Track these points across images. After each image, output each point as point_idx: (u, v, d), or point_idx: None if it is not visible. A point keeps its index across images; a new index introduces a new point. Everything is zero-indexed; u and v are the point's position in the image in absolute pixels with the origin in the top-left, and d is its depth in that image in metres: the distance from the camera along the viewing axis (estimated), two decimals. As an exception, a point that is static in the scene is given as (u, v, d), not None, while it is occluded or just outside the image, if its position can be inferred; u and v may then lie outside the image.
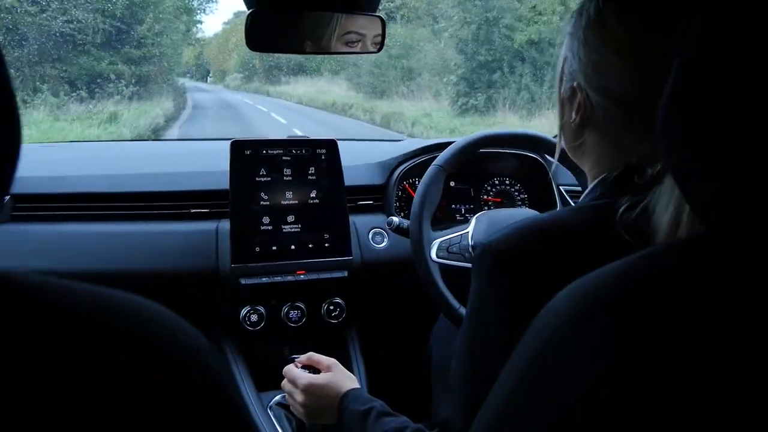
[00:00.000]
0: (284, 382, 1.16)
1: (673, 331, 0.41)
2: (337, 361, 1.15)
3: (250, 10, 1.20)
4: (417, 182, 1.75)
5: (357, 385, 1.09)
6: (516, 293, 0.75)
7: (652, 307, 0.43)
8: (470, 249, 1.35)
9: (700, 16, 0.44)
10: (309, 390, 1.09)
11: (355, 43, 1.26)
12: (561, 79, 0.86)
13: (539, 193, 1.80)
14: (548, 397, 0.45)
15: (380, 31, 1.30)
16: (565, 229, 0.77)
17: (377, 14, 1.29)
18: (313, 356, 1.16)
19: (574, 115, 0.82)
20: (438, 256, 1.35)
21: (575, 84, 0.81)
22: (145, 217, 1.51)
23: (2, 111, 0.37)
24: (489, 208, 1.82)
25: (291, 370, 1.15)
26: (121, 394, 0.35)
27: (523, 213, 1.52)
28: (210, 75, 58.66)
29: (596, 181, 0.83)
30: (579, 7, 0.81)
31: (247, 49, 1.23)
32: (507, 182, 1.86)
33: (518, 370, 0.51)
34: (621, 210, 0.75)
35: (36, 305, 0.36)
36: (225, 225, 1.50)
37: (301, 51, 1.24)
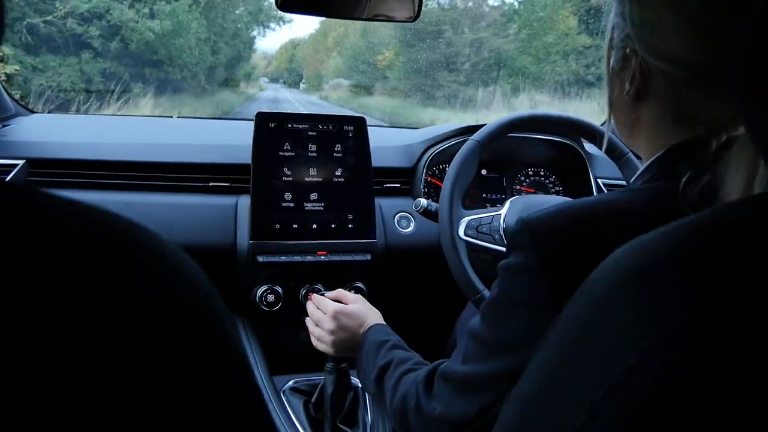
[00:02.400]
0: (312, 309, 1.21)
1: (742, 291, 0.35)
2: (363, 297, 1.21)
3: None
4: (445, 168, 1.68)
5: (382, 320, 1.14)
6: (552, 273, 0.69)
7: (719, 264, 0.38)
8: (501, 231, 1.27)
9: None
10: (338, 316, 1.14)
11: (397, 11, 1.20)
12: (610, 50, 0.79)
13: (575, 185, 1.71)
14: (598, 364, 0.40)
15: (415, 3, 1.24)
16: (614, 211, 0.70)
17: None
18: (342, 292, 1.22)
19: (628, 86, 0.75)
20: (466, 234, 1.28)
21: (628, 50, 0.73)
22: (163, 188, 1.45)
23: None
24: None
25: (321, 299, 1.20)
26: (133, 321, 0.32)
27: (561, 200, 1.44)
28: (303, 81, 55.26)
29: (651, 160, 0.75)
30: None
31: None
32: (541, 173, 1.77)
33: (566, 338, 0.45)
34: (683, 183, 0.67)
35: (67, 223, 0.35)
36: (245, 201, 1.44)
37: (332, 15, 1.18)
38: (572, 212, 0.72)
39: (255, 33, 32.16)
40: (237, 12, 25.72)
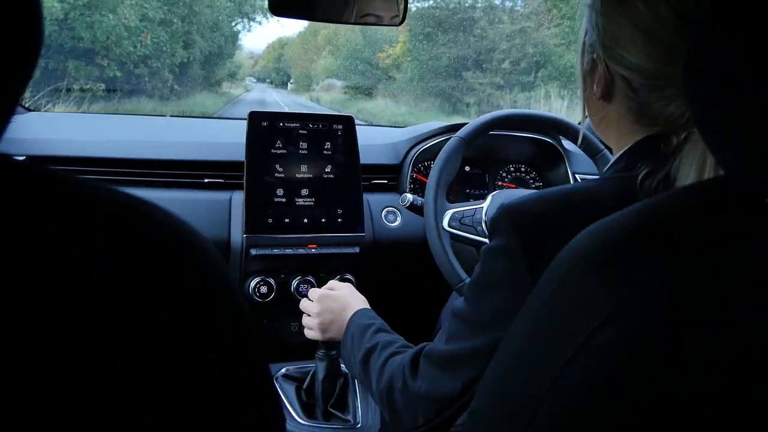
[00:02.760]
0: (303, 301, 1.26)
1: (691, 270, 0.40)
2: (351, 285, 1.26)
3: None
4: (430, 165, 1.75)
5: (367, 306, 1.18)
6: (531, 254, 0.75)
7: (663, 244, 0.43)
8: (483, 223, 1.34)
9: None
10: (323, 299, 1.20)
11: (383, 17, 1.26)
12: (582, 53, 0.86)
13: (554, 181, 1.79)
14: (562, 335, 0.45)
15: (401, 6, 1.30)
16: (588, 198, 0.77)
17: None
18: (332, 283, 1.29)
19: (596, 88, 0.82)
20: (450, 226, 1.36)
21: (595, 56, 0.80)
22: (159, 184, 1.51)
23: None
24: None
25: (312, 290, 1.26)
26: (144, 290, 0.36)
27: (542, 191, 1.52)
28: (291, 81, 52.14)
29: (620, 153, 0.82)
30: None
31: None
32: (522, 168, 1.85)
33: (535, 311, 0.51)
34: (641, 176, 0.74)
35: (80, 201, 0.38)
36: (238, 196, 1.50)
37: (321, 18, 1.24)
38: (549, 198, 0.78)
39: (240, 27, 29.62)
40: (215, -2, 22.52)
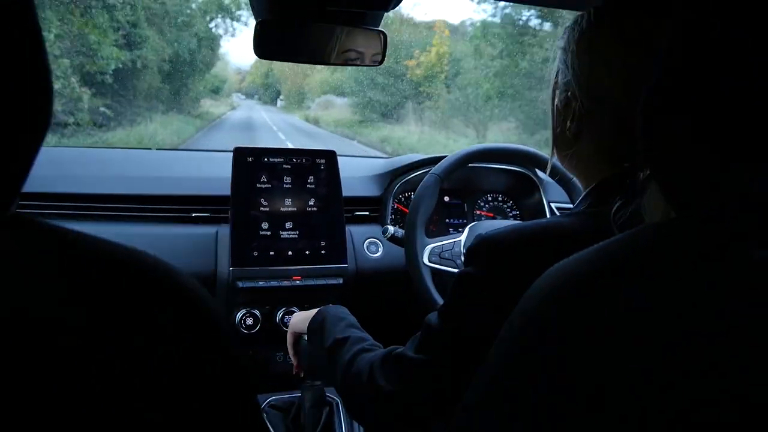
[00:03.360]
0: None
1: (641, 308, 0.45)
2: None
3: (259, 20, 1.26)
4: (410, 196, 1.80)
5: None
6: (500, 284, 0.79)
7: (625, 283, 0.47)
8: (461, 256, 1.39)
9: (676, 19, 0.49)
10: (298, 315, 1.26)
11: (355, 60, 1.32)
12: (554, 91, 0.91)
13: (531, 209, 1.85)
14: (529, 376, 0.49)
15: (380, 48, 1.36)
16: (559, 232, 0.81)
17: (379, 29, 1.34)
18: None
19: (569, 124, 0.87)
20: (430, 261, 1.40)
21: (569, 93, 0.85)
22: (147, 219, 1.54)
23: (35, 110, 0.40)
24: None
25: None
26: (144, 343, 0.38)
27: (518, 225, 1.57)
28: (281, 97, 48.07)
29: (589, 188, 0.87)
30: (572, 23, 0.87)
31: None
32: (499, 198, 1.91)
33: (505, 348, 0.55)
34: (613, 211, 0.79)
35: (83, 255, 0.40)
36: (225, 230, 1.53)
37: (306, 61, 1.30)
38: (522, 232, 0.82)
39: (220, 30, 25.15)
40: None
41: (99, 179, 1.58)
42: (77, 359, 0.35)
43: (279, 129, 21.54)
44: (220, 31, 26.28)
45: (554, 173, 1.53)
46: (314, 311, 1.19)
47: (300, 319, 1.24)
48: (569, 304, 0.49)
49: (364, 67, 1.40)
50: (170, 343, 0.40)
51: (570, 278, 0.51)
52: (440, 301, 1.36)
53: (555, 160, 0.98)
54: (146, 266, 0.44)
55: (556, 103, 0.91)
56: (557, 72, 0.90)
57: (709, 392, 0.41)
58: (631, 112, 0.80)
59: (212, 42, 22.50)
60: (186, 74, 19.01)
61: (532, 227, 0.83)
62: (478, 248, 0.83)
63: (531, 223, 0.85)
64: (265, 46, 1.24)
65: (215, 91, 38.73)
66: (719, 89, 0.46)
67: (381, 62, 1.37)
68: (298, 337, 1.24)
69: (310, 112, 32.34)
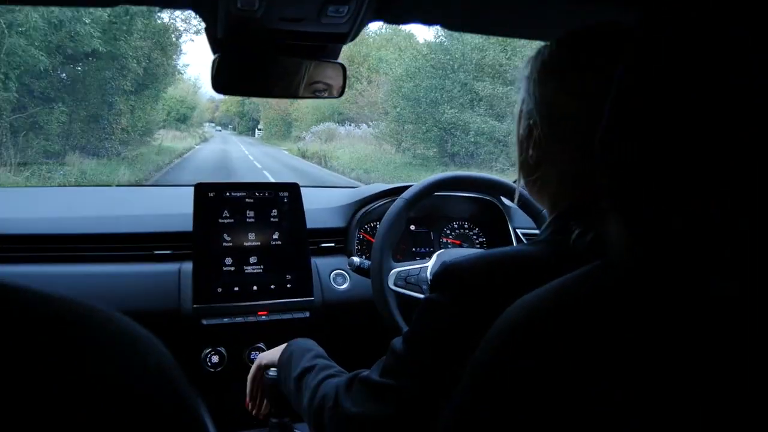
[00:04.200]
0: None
1: (596, 344, 0.48)
2: None
3: (216, 56, 1.25)
4: (376, 225, 1.79)
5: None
6: (464, 312, 0.79)
7: (581, 321, 0.50)
8: (428, 282, 1.39)
9: (630, 48, 0.51)
10: (267, 352, 1.25)
11: (323, 92, 1.32)
12: (519, 120, 0.92)
13: (497, 237, 1.86)
14: (499, 405, 0.51)
15: (341, 80, 1.36)
16: (523, 261, 0.82)
17: (339, 61, 1.35)
18: None
19: (531, 152, 0.88)
20: (395, 285, 1.40)
21: (532, 122, 0.86)
22: (107, 258, 1.51)
23: None
24: None
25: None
26: (93, 398, 0.36)
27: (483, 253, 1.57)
28: (259, 127, 42.94)
29: (552, 217, 0.88)
30: (536, 52, 0.88)
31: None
32: (466, 226, 1.91)
33: (476, 380, 0.56)
34: (573, 237, 0.80)
35: (31, 313, 0.38)
36: (187, 266, 1.51)
37: (268, 95, 1.29)
38: (487, 260, 0.82)
39: (174, 34, 18.00)
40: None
41: (56, 220, 1.55)
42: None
43: (271, 172, 16.16)
44: (173, 37, 18.40)
45: (522, 203, 1.54)
46: (282, 346, 1.19)
47: (268, 353, 1.24)
48: (531, 340, 0.52)
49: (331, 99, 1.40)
50: (115, 399, 0.38)
51: (530, 317, 0.54)
52: (404, 325, 1.35)
53: (522, 188, 0.98)
54: (81, 318, 0.42)
55: (519, 131, 0.92)
56: (522, 101, 0.91)
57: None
58: (590, 140, 0.81)
59: (167, 47, 17.64)
60: (129, 93, 14.99)
61: (496, 255, 0.84)
62: (443, 275, 0.83)
63: (496, 251, 0.85)
64: (224, 81, 1.23)
65: (181, 120, 34.95)
66: (673, 118, 0.47)
67: (341, 94, 1.37)
68: (262, 371, 1.23)
69: (305, 145, 26.72)
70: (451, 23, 1.20)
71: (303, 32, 1.18)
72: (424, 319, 0.85)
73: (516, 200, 1.37)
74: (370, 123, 24.58)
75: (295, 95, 1.29)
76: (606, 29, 0.81)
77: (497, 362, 0.54)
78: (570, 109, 0.82)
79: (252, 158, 21.54)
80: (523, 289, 0.67)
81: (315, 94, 1.31)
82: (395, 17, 1.17)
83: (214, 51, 1.27)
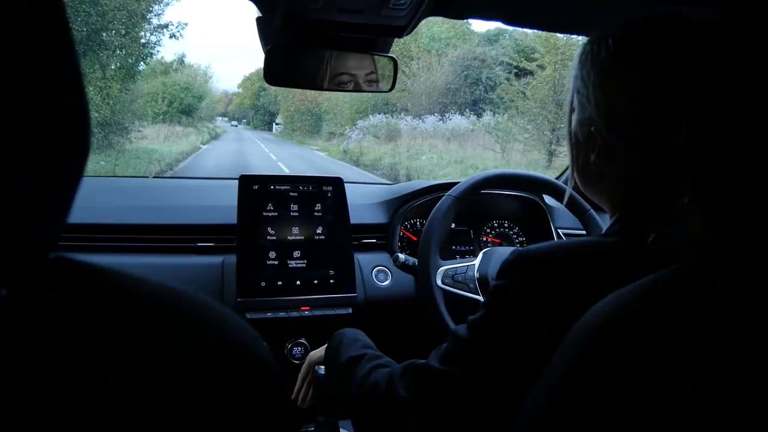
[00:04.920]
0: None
1: (687, 347, 0.47)
2: None
3: (268, 47, 1.24)
4: (418, 223, 1.77)
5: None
6: (540, 299, 0.77)
7: (683, 318, 0.49)
8: (475, 280, 1.37)
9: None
10: (318, 350, 1.25)
11: (374, 84, 1.30)
12: (570, 121, 0.89)
13: (537, 236, 1.83)
14: (584, 405, 0.51)
15: (393, 73, 1.35)
16: (597, 254, 0.79)
17: (391, 55, 1.33)
18: None
19: (593, 157, 0.85)
20: (443, 283, 1.38)
21: (593, 129, 0.83)
22: (151, 249, 1.50)
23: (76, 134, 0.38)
24: None
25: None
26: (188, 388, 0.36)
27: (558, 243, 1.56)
28: (277, 121, 36.19)
29: (619, 214, 0.85)
30: (587, 50, 0.85)
31: None
32: (506, 225, 1.89)
33: (556, 378, 0.56)
34: (651, 239, 0.77)
35: (129, 298, 0.38)
36: (231, 259, 1.50)
37: (321, 88, 1.28)
38: (561, 250, 0.80)
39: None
40: None
41: (92, 209, 1.53)
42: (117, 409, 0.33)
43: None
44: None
45: (569, 202, 1.52)
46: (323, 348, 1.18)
47: (317, 351, 1.23)
48: (618, 344, 0.51)
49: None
50: (219, 397, 0.38)
51: (617, 320, 0.53)
52: (452, 323, 1.33)
53: (571, 189, 0.96)
54: (197, 312, 0.42)
55: (574, 131, 0.89)
56: (572, 99, 0.88)
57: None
58: (662, 146, 0.79)
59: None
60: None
61: (568, 245, 0.82)
62: (518, 262, 0.81)
63: (568, 241, 0.84)
64: (278, 72, 1.22)
65: (186, 111, 28.74)
66: (760, 114, 0.45)
67: (392, 88, 1.36)
68: (313, 367, 1.22)
69: (352, 144, 21.16)
70: (510, 18, 1.18)
71: (360, 24, 1.17)
72: (494, 306, 0.82)
73: (565, 202, 1.35)
74: (445, 114, 20.53)
75: (348, 89, 1.27)
76: (661, 24, 0.78)
77: (585, 364, 0.53)
78: (638, 119, 0.79)
79: (282, 165, 16.63)
80: (598, 283, 0.65)
81: (368, 87, 1.29)
82: (455, 12, 1.15)
83: (266, 42, 1.26)
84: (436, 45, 22.59)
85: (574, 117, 0.88)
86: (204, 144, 25.74)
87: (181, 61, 33.48)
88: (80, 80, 0.38)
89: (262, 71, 1.24)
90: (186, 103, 29.07)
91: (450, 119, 19.99)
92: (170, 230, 1.53)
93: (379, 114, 22.60)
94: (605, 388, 0.49)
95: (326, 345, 1.20)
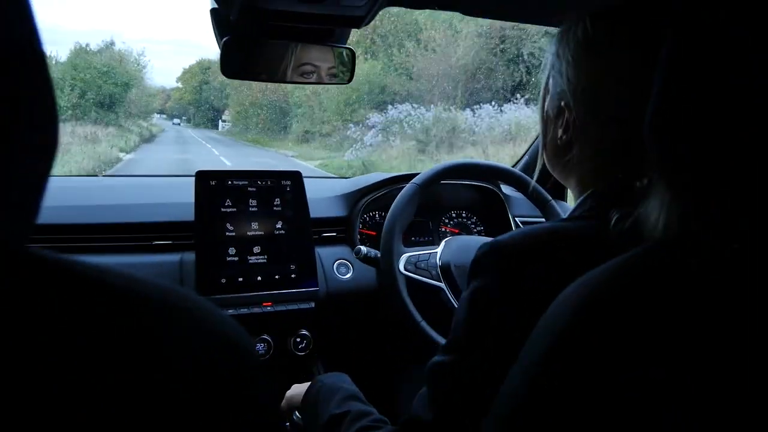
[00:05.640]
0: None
1: (672, 321, 0.47)
2: None
3: (224, 39, 1.21)
4: (377, 215, 1.77)
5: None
6: (520, 289, 0.75)
7: (653, 297, 0.48)
8: (437, 267, 1.38)
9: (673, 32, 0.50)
10: (295, 387, 1.17)
11: (335, 77, 1.30)
12: (544, 100, 0.90)
13: (495, 225, 1.85)
14: (564, 387, 0.50)
15: (350, 65, 1.34)
16: (567, 237, 0.79)
17: (348, 46, 1.32)
18: None
19: (561, 133, 0.86)
20: (406, 269, 1.38)
21: (563, 103, 0.84)
22: (104, 249, 1.46)
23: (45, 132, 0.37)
24: None
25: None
26: (172, 381, 0.36)
27: (488, 240, 1.57)
28: (224, 118, 30.71)
29: (585, 195, 0.86)
30: (564, 28, 0.86)
31: None
32: (463, 215, 1.90)
33: (533, 363, 0.54)
34: (613, 221, 0.79)
35: (99, 290, 0.37)
36: (189, 257, 1.47)
37: (280, 80, 1.26)
38: (536, 234, 0.79)
39: None
40: None
41: (48, 209, 1.47)
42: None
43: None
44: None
45: (532, 194, 1.54)
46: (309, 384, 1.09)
47: (296, 389, 1.16)
48: (598, 319, 0.50)
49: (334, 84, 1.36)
50: (202, 387, 0.37)
51: (596, 294, 0.52)
52: (413, 309, 1.33)
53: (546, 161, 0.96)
54: (176, 304, 0.41)
55: (546, 109, 0.90)
56: (548, 78, 0.89)
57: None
58: (630, 125, 0.80)
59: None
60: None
61: (539, 231, 0.81)
62: (489, 256, 0.78)
63: (536, 227, 0.82)
64: (235, 65, 1.20)
65: (107, 106, 22.10)
66: (727, 92, 0.46)
67: (350, 80, 1.35)
68: (292, 412, 1.14)
69: (364, 152, 15.66)
70: (468, 9, 1.18)
71: (319, 15, 1.16)
72: (477, 314, 0.77)
73: (530, 189, 1.36)
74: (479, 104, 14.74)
75: (310, 80, 1.26)
76: (641, 3, 0.80)
77: (561, 346, 0.52)
78: (610, 88, 0.80)
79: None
80: (574, 265, 0.66)
81: (329, 80, 1.28)
82: (413, 1, 1.15)
83: (222, 35, 1.23)
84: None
85: (548, 96, 0.89)
86: (129, 152, 19.01)
87: (108, 47, 26.95)
88: (47, 76, 0.37)
89: (219, 64, 1.22)
90: (105, 93, 22.24)
91: (502, 110, 14.69)
92: (124, 229, 1.49)
93: (400, 104, 15.78)
94: (580, 373, 0.49)
95: (304, 385, 1.12)
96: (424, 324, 1.34)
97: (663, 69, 0.52)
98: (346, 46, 1.32)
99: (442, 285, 1.39)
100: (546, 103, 0.89)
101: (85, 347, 0.33)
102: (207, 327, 0.41)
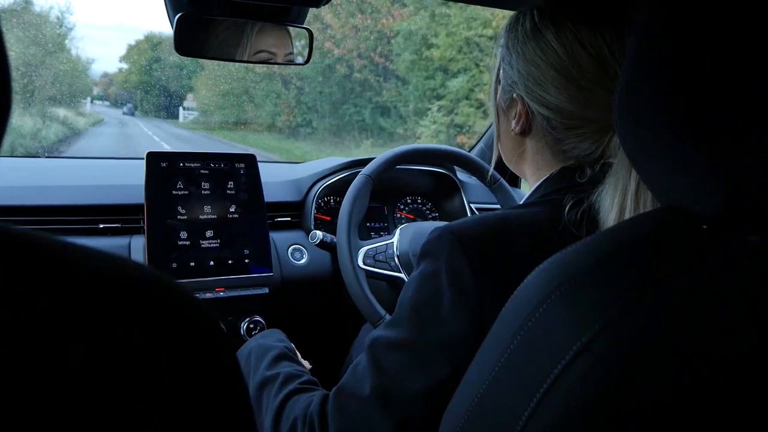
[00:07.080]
0: None
1: (653, 291, 0.45)
2: None
3: (177, 15, 1.17)
4: (332, 200, 1.75)
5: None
6: (474, 273, 0.75)
7: (633, 268, 0.47)
8: (395, 258, 1.37)
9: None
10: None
11: (295, 57, 1.27)
12: (496, 90, 0.91)
13: (451, 211, 1.86)
14: (537, 366, 0.47)
15: (308, 45, 1.32)
16: (523, 222, 0.80)
17: (305, 26, 1.30)
18: None
19: (514, 124, 0.87)
20: (365, 264, 1.37)
21: (514, 95, 0.85)
22: (47, 232, 1.39)
23: None
24: None
25: None
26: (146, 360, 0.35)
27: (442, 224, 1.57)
28: (187, 104, 22.46)
29: (540, 182, 0.87)
30: (513, 20, 0.87)
31: None
32: (418, 200, 1.90)
33: (505, 343, 0.52)
34: (567, 207, 0.80)
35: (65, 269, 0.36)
36: (138, 241, 1.42)
37: (237, 59, 1.22)
38: (488, 221, 0.79)
39: None
40: None
41: None
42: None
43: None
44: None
45: (480, 174, 1.55)
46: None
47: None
48: (578, 295, 0.48)
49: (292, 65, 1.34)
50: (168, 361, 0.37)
51: (574, 270, 0.50)
52: (377, 304, 1.32)
53: (501, 151, 0.96)
54: (134, 280, 0.39)
55: (498, 100, 0.91)
56: (498, 69, 0.90)
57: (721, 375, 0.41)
58: (580, 117, 0.81)
59: None
60: None
61: (493, 217, 0.81)
62: (441, 240, 0.78)
63: (490, 213, 0.83)
64: (189, 42, 1.16)
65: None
66: (690, 79, 0.46)
67: (308, 61, 1.33)
68: None
69: None
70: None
71: (276, -8, 1.13)
72: (427, 293, 0.77)
73: (489, 180, 1.37)
74: None
75: (269, 61, 1.23)
76: None
77: (537, 329, 0.49)
78: (557, 86, 0.81)
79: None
80: (526, 252, 0.66)
81: (286, 61, 1.26)
82: None
83: (176, 10, 1.19)
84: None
85: (500, 88, 0.90)
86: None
87: (24, 5, 17.56)
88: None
89: (173, 41, 1.18)
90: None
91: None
92: (69, 211, 1.43)
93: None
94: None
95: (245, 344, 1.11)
96: (388, 317, 1.33)
97: (631, 51, 0.52)
98: (303, 26, 1.29)
99: (402, 275, 1.38)
100: (498, 95, 0.90)
101: (52, 326, 0.32)
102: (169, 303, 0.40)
